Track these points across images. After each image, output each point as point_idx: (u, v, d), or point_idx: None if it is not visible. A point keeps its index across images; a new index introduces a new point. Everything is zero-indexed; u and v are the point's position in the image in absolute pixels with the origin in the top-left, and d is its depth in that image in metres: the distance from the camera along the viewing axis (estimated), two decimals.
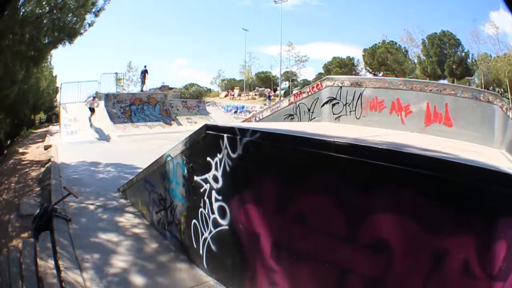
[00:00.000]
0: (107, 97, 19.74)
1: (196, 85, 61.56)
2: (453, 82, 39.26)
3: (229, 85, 63.46)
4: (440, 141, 5.09)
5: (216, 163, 4.31)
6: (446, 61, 45.69)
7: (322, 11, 76.01)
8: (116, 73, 26.65)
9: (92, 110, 17.58)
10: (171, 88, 55.02)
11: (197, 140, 4.70)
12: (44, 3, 13.21)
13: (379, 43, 51.93)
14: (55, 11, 13.87)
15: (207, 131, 4.47)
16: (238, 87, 59.03)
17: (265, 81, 60.35)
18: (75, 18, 14.62)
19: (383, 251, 2.97)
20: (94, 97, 18.24)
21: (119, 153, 10.49)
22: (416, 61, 50.00)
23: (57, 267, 4.43)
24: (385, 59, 49.94)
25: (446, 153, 3.52)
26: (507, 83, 39.35)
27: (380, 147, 3.13)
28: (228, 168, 4.16)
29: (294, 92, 9.33)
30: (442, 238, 2.68)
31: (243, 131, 3.98)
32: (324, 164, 3.35)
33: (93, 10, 14.84)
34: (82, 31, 14.95)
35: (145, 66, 25.48)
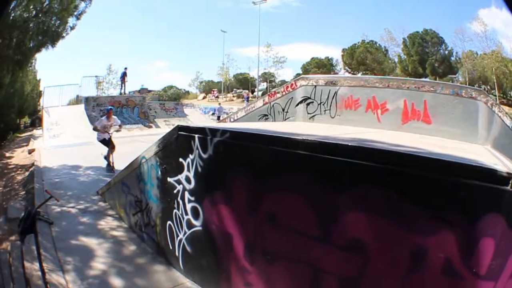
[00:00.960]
0: (87, 100, 19.29)
1: (174, 87, 61.08)
2: (435, 80, 39.30)
3: (207, 87, 62.87)
4: (418, 138, 5.04)
5: (188, 163, 4.17)
6: (428, 59, 45.78)
7: (302, 12, 75.56)
8: (96, 76, 26.32)
9: (107, 142, 10.16)
10: (150, 91, 54.53)
11: (170, 141, 4.55)
12: (31, 7, 13.06)
13: (358, 43, 51.97)
14: (40, 15, 13.71)
15: (179, 132, 4.31)
16: (216, 89, 58.73)
17: (243, 83, 59.91)
18: (58, 22, 14.45)
19: (357, 251, 2.88)
20: (109, 110, 10.71)
21: (98, 156, 10.38)
22: (396, 60, 50.17)
23: (41, 269, 4.39)
24: (364, 59, 49.97)
25: (420, 149, 3.48)
26: (495, 80, 39.40)
27: (349, 144, 3.06)
28: (199, 169, 4.02)
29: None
30: (419, 237, 2.59)
31: (214, 131, 3.85)
32: (293, 163, 3.24)
33: (75, 13, 14.70)
34: (64, 34, 14.79)
35: (125, 69, 25.01)
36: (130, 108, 20.19)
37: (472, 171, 2.44)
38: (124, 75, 24.68)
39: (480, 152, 4.26)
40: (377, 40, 51.26)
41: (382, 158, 2.77)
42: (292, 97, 7.52)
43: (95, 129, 10.29)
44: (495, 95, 36.71)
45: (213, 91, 58.06)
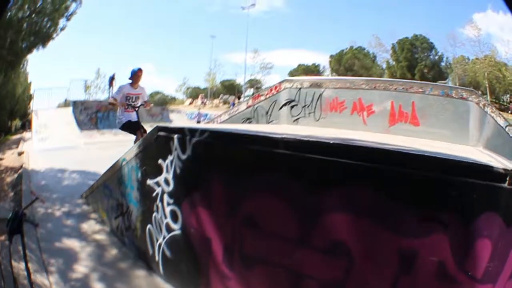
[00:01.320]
0: (75, 104, 19.44)
1: (160, 93, 60.03)
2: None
3: (194, 93, 61.85)
4: (405, 139, 4.91)
5: (167, 165, 4.00)
6: (418, 65, 45.18)
7: (291, 18, 73.73)
8: (85, 81, 26.33)
9: (135, 126, 6.91)
10: None
11: (150, 142, 4.39)
12: (26, 7, 13.04)
13: (346, 49, 51.04)
14: (33, 16, 13.70)
15: (159, 133, 4.16)
16: (203, 94, 58.39)
17: (230, 89, 58.85)
18: (49, 23, 14.42)
19: (340, 254, 2.73)
20: (138, 70, 6.89)
21: (84, 160, 10.24)
22: (384, 66, 49.17)
23: (27, 269, 4.43)
24: (352, 65, 48.96)
25: (409, 148, 3.34)
26: (487, 85, 38.70)
27: (331, 142, 2.92)
28: (178, 170, 3.84)
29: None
30: (408, 239, 2.45)
31: (192, 131, 3.69)
32: (273, 163, 3.10)
33: (66, 14, 14.67)
34: (54, 35, 14.77)
35: (113, 74, 24.86)
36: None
37: (466, 168, 2.33)
38: (112, 79, 24.72)
39: (472, 152, 4.14)
40: (366, 46, 50.51)
41: (367, 155, 2.64)
42: (276, 100, 7.29)
43: (111, 103, 6.91)
44: (487, 100, 36.31)
45: (201, 96, 57.74)
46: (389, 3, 59.15)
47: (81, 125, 18.08)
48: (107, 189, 5.87)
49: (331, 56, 53.37)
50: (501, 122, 5.31)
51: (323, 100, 6.69)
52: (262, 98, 7.53)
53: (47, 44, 15.19)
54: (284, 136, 3.11)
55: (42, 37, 14.63)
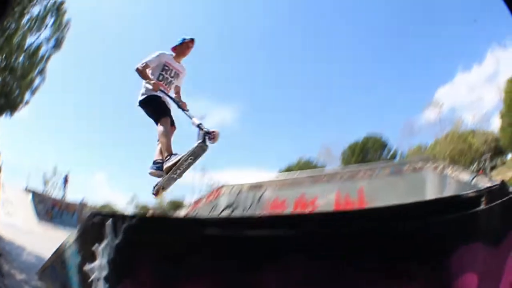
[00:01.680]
0: (35, 195, 20.51)
1: (110, 206, 58.57)
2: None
3: (144, 210, 60.53)
4: None
5: (102, 250, 3.89)
6: None
7: (241, 134, 69.54)
8: (44, 175, 28.08)
9: (163, 108, 5.11)
10: (88, 206, 53.49)
11: (86, 227, 4.34)
12: (3, 55, 13.19)
13: (294, 165, 47.76)
14: (6, 72, 13.79)
15: (94, 218, 4.14)
16: (152, 212, 56.94)
17: (179, 209, 57.82)
18: (18, 90, 14.60)
19: None
20: (190, 40, 5.42)
21: (42, 247, 10.38)
22: None
23: None
24: None
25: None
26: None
27: (260, 215, 2.92)
28: (112, 255, 3.71)
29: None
30: None
31: (124, 216, 3.70)
32: (203, 245, 3.04)
33: (31, 87, 14.91)
34: (20, 107, 14.88)
35: (66, 175, 27.28)
36: (70, 213, 21.34)
37: (429, 206, 2.23)
38: (65, 180, 27.16)
39: None
40: (316, 156, 47.76)
41: (304, 222, 2.61)
42: (216, 205, 6.86)
43: (139, 71, 5.00)
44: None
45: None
46: (339, 110, 59.47)
47: (40, 215, 18.83)
48: (53, 271, 5.66)
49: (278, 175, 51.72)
50: (466, 177, 5.05)
51: (263, 202, 6.35)
52: (201, 204, 7.23)
53: (14, 113, 15.25)
54: (210, 217, 3.14)
55: (10, 104, 14.67)
